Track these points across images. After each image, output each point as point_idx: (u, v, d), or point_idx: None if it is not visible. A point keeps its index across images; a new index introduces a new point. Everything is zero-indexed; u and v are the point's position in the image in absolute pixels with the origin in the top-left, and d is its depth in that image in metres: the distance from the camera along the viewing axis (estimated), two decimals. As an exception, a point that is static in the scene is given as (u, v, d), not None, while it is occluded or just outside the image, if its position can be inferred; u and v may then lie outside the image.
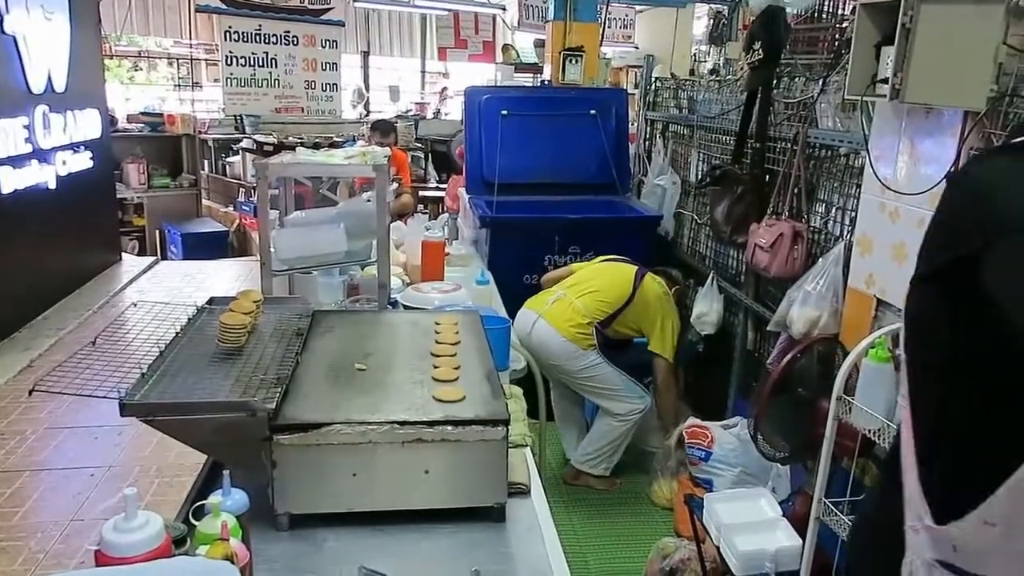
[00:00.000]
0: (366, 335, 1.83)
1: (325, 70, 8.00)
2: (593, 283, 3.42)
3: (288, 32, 7.70)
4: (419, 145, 7.92)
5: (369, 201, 2.35)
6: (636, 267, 3.47)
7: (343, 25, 8.23)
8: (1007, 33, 1.89)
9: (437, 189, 7.36)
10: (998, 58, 1.88)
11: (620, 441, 3.46)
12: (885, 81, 2.10)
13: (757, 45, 3.08)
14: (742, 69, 3.31)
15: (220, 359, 1.53)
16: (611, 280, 3.43)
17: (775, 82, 3.18)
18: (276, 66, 7.70)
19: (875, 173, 2.41)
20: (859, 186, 2.59)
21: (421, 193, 7.10)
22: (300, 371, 1.56)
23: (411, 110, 9.50)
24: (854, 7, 2.37)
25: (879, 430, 2.05)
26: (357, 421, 1.36)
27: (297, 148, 2.65)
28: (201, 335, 1.64)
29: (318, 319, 1.87)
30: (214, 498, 1.18)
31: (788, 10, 3.10)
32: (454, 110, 9.37)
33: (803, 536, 2.31)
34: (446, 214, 4.69)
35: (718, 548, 2.40)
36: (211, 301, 1.84)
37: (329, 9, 8.02)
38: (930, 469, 0.93)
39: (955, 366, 0.92)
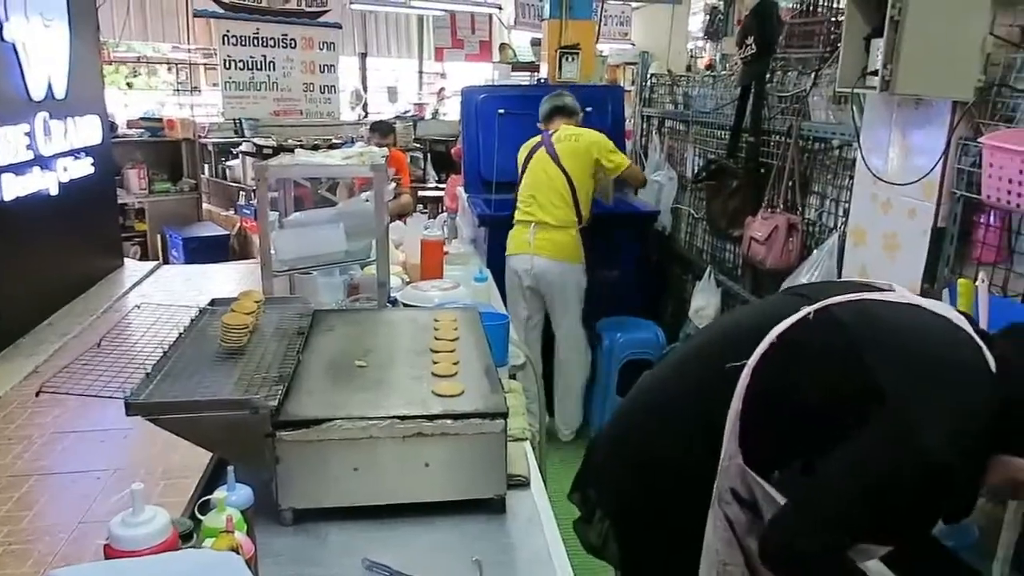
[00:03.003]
0: (366, 333, 1.86)
1: (323, 72, 8.01)
2: (543, 192, 3.61)
3: (285, 35, 7.71)
4: (418, 145, 7.95)
5: (368, 201, 2.37)
6: (539, 137, 3.74)
7: (340, 27, 8.24)
8: (994, 23, 1.92)
9: (436, 189, 7.38)
10: (985, 48, 1.91)
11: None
12: (875, 73, 2.12)
13: (750, 39, 3.10)
14: (735, 64, 3.33)
15: (223, 359, 1.55)
16: (547, 175, 3.62)
17: (769, 76, 3.20)
18: (274, 69, 7.71)
19: (866, 164, 2.43)
20: (852, 178, 2.61)
21: (420, 193, 7.11)
22: (301, 369, 1.58)
23: (409, 111, 9.52)
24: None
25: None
26: (358, 416, 1.39)
27: (296, 150, 2.67)
28: (204, 336, 1.66)
29: (319, 318, 1.89)
30: (219, 493, 1.21)
31: (782, 4, 3.12)
32: (452, 110, 9.38)
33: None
34: (445, 213, 4.71)
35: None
36: (213, 302, 1.86)
37: (326, 11, 8.03)
38: (749, 446, 1.20)
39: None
